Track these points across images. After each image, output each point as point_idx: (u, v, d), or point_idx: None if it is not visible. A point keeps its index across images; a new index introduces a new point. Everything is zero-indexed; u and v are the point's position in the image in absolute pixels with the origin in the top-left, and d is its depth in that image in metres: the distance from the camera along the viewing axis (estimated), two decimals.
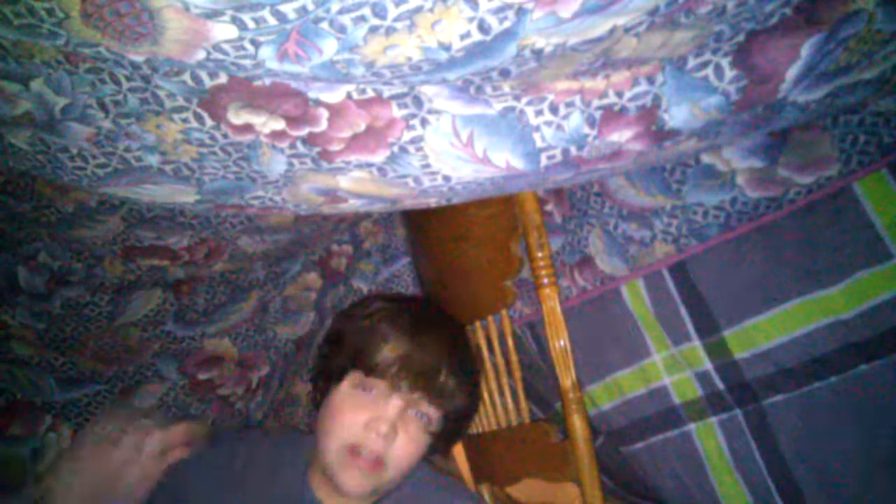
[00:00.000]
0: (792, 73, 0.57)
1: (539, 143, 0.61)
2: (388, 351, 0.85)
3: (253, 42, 0.44)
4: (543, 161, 0.63)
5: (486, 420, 1.08)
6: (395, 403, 0.83)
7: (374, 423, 0.82)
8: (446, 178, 0.66)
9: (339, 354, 0.89)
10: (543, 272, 0.88)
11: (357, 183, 0.67)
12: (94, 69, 0.53)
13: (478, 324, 1.04)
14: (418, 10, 0.42)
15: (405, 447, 0.84)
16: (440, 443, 0.91)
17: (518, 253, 0.94)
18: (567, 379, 0.85)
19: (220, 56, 0.45)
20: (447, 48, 0.46)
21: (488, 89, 0.57)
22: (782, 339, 0.83)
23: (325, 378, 0.90)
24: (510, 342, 0.97)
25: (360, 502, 0.87)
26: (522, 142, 0.61)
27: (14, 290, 1.05)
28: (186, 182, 0.67)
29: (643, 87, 0.58)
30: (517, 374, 0.97)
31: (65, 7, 0.42)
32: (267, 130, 0.59)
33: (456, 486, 1.06)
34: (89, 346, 1.14)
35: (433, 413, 0.86)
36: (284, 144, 0.60)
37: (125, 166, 0.64)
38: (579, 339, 0.91)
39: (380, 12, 0.42)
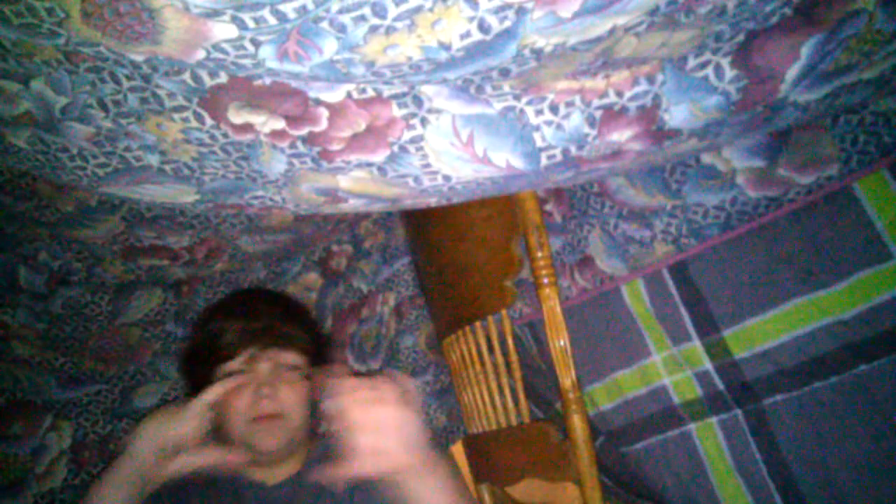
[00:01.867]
0: (792, 73, 0.57)
1: (539, 143, 0.61)
2: (230, 334, 0.98)
3: (253, 41, 0.44)
4: (543, 161, 0.63)
5: (486, 420, 1.08)
6: (261, 367, 0.96)
7: (255, 392, 0.94)
8: (446, 178, 0.66)
9: (197, 369, 1.01)
10: (543, 272, 0.88)
11: (357, 182, 0.67)
12: (94, 68, 0.53)
13: (478, 324, 1.04)
14: (418, 9, 0.42)
15: (292, 394, 0.97)
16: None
17: (518, 253, 0.94)
18: (567, 379, 0.85)
19: (220, 55, 0.45)
20: (447, 48, 0.46)
21: (488, 89, 0.57)
22: (782, 339, 0.83)
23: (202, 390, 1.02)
24: (510, 342, 0.97)
25: (287, 465, 1.00)
26: (522, 141, 0.61)
27: (14, 290, 1.05)
28: (186, 182, 0.67)
29: (643, 86, 0.58)
30: (517, 374, 0.97)
31: (65, 6, 0.42)
32: (267, 130, 0.59)
33: None
34: (90, 345, 1.15)
35: (295, 359, 1.00)
36: (284, 144, 0.60)
37: (125, 166, 0.64)
38: (579, 339, 0.91)
39: (380, 12, 0.42)
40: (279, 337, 0.99)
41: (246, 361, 0.97)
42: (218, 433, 1.00)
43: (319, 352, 1.07)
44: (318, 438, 1.08)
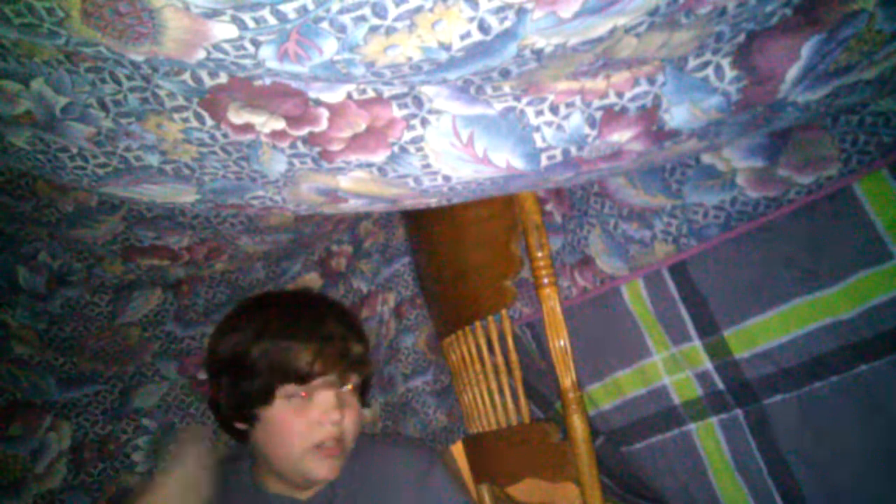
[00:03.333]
0: (792, 73, 0.57)
1: (539, 144, 0.61)
2: (304, 355, 0.89)
3: (253, 42, 0.44)
4: (543, 161, 0.63)
5: (486, 420, 1.08)
6: (330, 393, 0.91)
7: (324, 418, 0.89)
8: (446, 178, 0.66)
9: (255, 379, 0.91)
10: (543, 272, 0.88)
11: (357, 183, 0.67)
12: (94, 68, 0.53)
13: (478, 324, 1.04)
14: (418, 9, 0.42)
15: (352, 418, 0.93)
16: (364, 397, 1.03)
17: (518, 253, 0.94)
18: (567, 379, 0.85)
19: (220, 56, 0.45)
20: (447, 48, 0.46)
21: (488, 89, 0.57)
22: (782, 339, 0.83)
23: (249, 405, 0.93)
24: (510, 342, 0.97)
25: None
26: (523, 142, 0.61)
27: (14, 290, 1.05)
28: (186, 182, 0.67)
29: (643, 87, 0.58)
30: (517, 374, 0.97)
31: (65, 6, 0.42)
32: (267, 130, 0.59)
33: (390, 437, 1.23)
34: (89, 346, 1.14)
35: (357, 380, 0.96)
36: (285, 144, 0.60)
37: (125, 166, 0.64)
38: (579, 339, 0.91)
39: (380, 12, 0.42)
40: (355, 361, 0.93)
41: (320, 385, 0.90)
42: (260, 456, 0.94)
43: (371, 369, 1.02)
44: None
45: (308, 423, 0.89)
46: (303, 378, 0.89)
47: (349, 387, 0.93)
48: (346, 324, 0.98)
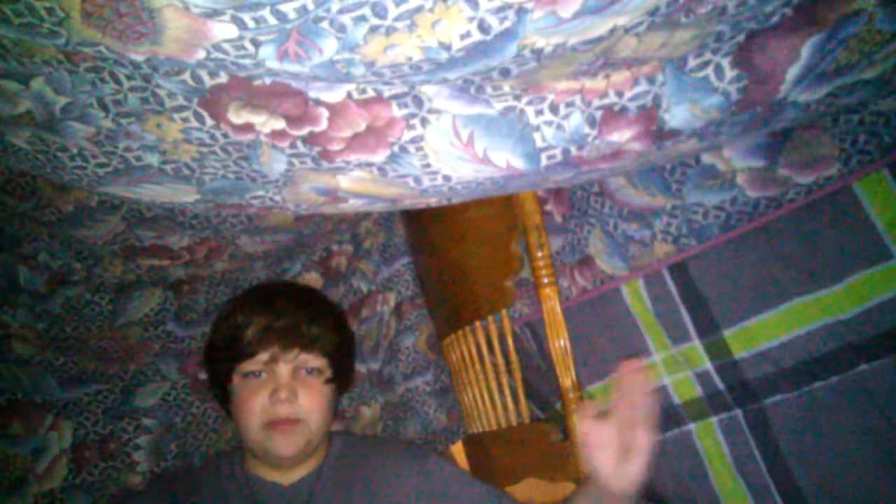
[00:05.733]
0: (792, 73, 0.57)
1: (539, 143, 0.61)
2: (251, 331, 0.94)
3: (253, 41, 0.44)
4: (544, 161, 0.63)
5: (486, 420, 1.08)
6: (281, 369, 0.93)
7: (273, 395, 0.92)
8: (446, 178, 0.66)
9: (218, 362, 0.99)
10: (543, 272, 0.88)
11: (357, 182, 0.67)
12: (94, 68, 0.53)
13: (478, 324, 1.04)
14: (418, 9, 0.43)
15: (311, 399, 0.94)
16: (340, 384, 1.02)
17: (518, 253, 0.94)
18: (567, 379, 0.85)
19: (220, 55, 0.45)
20: (447, 48, 0.46)
21: (488, 89, 0.57)
22: (782, 339, 0.83)
23: (220, 387, 1.00)
24: (510, 342, 0.97)
25: (303, 465, 0.97)
26: (523, 142, 0.61)
27: (15, 289, 1.06)
28: (187, 181, 0.67)
29: (643, 87, 0.58)
30: (517, 374, 0.97)
31: (65, 6, 0.42)
32: (267, 130, 0.59)
33: (381, 439, 1.23)
34: (90, 345, 1.15)
35: (318, 362, 0.96)
36: (284, 144, 0.60)
37: (125, 166, 0.64)
38: (579, 339, 0.91)
39: (380, 12, 0.42)
40: (302, 337, 0.95)
41: (266, 362, 0.94)
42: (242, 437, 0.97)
43: (343, 353, 1.04)
44: (335, 436, 1.06)
45: (260, 401, 0.92)
46: (250, 351, 0.94)
47: (308, 367, 0.95)
48: (303, 302, 1.01)
